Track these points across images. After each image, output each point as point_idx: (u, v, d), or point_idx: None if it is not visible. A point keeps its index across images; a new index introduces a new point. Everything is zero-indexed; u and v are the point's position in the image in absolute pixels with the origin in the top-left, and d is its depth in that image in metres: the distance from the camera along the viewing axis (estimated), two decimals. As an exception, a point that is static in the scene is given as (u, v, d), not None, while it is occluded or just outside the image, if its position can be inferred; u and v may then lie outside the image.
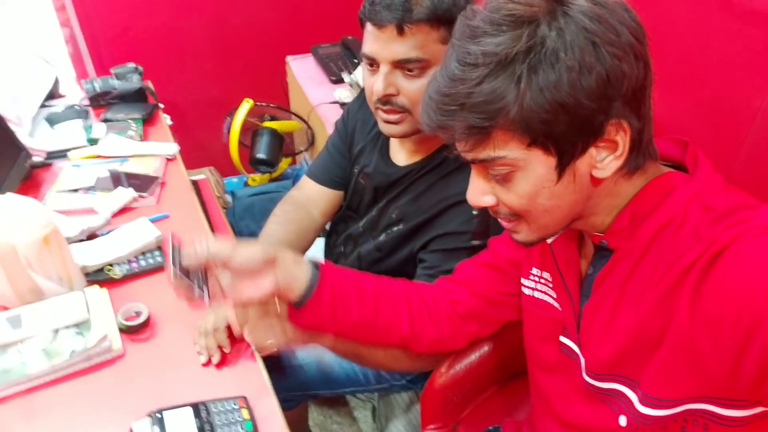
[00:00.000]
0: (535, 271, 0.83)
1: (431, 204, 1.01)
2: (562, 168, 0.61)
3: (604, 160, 0.61)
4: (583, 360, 0.75)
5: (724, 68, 1.16)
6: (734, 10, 1.12)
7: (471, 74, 0.57)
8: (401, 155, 1.09)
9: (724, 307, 0.55)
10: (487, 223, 0.96)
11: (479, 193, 0.66)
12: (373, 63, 0.94)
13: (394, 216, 1.07)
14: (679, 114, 1.29)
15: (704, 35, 1.19)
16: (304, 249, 1.22)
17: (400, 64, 0.91)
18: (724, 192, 0.63)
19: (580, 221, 0.69)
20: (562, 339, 0.79)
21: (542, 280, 0.83)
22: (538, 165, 0.61)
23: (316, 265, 0.82)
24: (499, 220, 0.70)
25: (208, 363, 0.93)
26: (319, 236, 1.29)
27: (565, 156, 0.60)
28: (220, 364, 0.94)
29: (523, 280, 0.85)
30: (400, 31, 0.88)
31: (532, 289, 0.84)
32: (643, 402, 0.66)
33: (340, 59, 2.07)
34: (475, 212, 0.96)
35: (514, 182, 0.63)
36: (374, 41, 0.92)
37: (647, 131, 0.63)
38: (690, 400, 0.62)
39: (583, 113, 0.57)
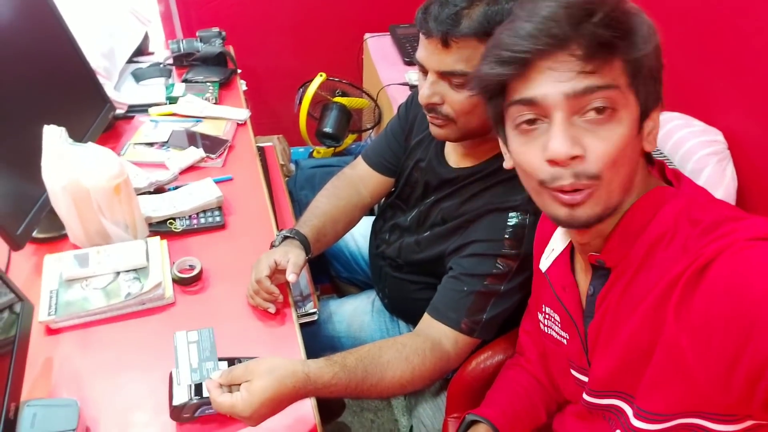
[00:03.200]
0: (544, 308, 0.85)
1: (472, 209, 1.01)
2: (641, 122, 0.62)
3: (651, 133, 0.64)
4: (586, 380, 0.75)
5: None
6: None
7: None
8: (454, 156, 1.08)
9: (713, 320, 0.55)
10: (522, 232, 0.95)
11: (569, 141, 0.59)
12: (423, 69, 0.94)
13: (438, 217, 1.08)
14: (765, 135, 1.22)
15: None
16: (348, 226, 1.24)
17: (446, 76, 0.91)
18: (710, 205, 0.64)
19: (605, 222, 0.66)
20: (573, 373, 0.80)
21: (548, 316, 0.84)
22: (633, 109, 0.61)
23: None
24: (564, 196, 0.62)
25: (276, 313, 1.00)
26: (367, 215, 1.31)
27: (644, 109, 0.62)
28: (262, 324, 0.99)
29: (539, 316, 0.86)
30: (446, 44, 0.87)
31: (545, 325, 0.85)
32: (637, 416, 0.66)
33: (416, 40, 2.06)
34: (510, 221, 0.96)
35: (615, 123, 0.59)
36: (423, 49, 0.91)
37: None
38: (682, 415, 0.62)
39: (659, 73, 0.62)
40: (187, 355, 0.84)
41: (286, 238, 1.08)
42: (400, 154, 1.21)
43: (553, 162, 0.61)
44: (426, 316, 0.99)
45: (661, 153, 1.32)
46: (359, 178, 1.27)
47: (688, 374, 0.58)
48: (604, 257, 0.68)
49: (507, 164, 0.73)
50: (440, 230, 1.06)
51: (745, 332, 0.52)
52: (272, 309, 1.00)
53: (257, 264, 1.01)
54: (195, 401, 0.78)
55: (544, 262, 0.81)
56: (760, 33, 1.17)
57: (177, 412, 0.79)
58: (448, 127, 0.97)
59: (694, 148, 1.26)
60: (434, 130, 0.99)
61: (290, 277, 0.98)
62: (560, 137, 0.59)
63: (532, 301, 0.92)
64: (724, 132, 1.29)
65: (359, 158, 1.29)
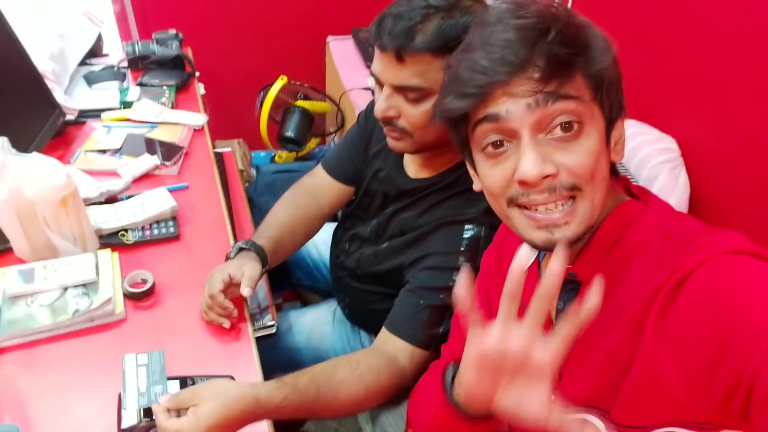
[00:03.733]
0: None
1: (429, 221, 1.01)
2: (608, 134, 0.62)
3: (618, 144, 0.64)
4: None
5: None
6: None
7: (559, 13, 0.60)
8: (413, 167, 1.08)
9: (690, 332, 0.56)
10: (478, 245, 0.95)
11: (540, 160, 0.58)
12: (379, 82, 0.93)
13: (397, 229, 1.07)
14: (715, 143, 1.25)
15: (750, 62, 1.14)
16: (307, 236, 1.23)
17: (401, 90, 0.90)
18: (677, 217, 0.65)
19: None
20: None
21: None
22: (598, 122, 0.61)
23: None
24: (538, 215, 0.61)
25: (231, 328, 0.98)
26: (327, 222, 1.30)
27: (609, 121, 0.62)
28: (217, 339, 0.96)
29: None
30: (400, 58, 0.85)
31: None
32: (610, 430, 0.66)
33: (379, 45, 2.06)
34: (466, 234, 0.95)
35: (582, 138, 0.59)
36: (378, 62, 0.90)
37: None
38: (660, 426, 0.62)
39: (619, 84, 0.62)
40: (135, 379, 0.81)
41: (241, 249, 1.05)
42: (360, 163, 1.20)
43: (524, 184, 0.59)
44: (383, 331, 0.98)
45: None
46: (318, 187, 1.25)
47: (667, 386, 0.58)
48: (576, 270, 0.67)
49: (476, 186, 0.72)
50: (398, 242, 1.06)
51: (722, 343, 0.53)
52: (226, 324, 0.97)
53: (210, 278, 0.99)
54: (143, 424, 0.76)
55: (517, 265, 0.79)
56: (713, 41, 1.20)
57: None
58: (404, 140, 0.96)
59: (649, 156, 1.29)
60: (391, 143, 0.99)
61: (245, 291, 0.95)
62: (531, 156, 0.58)
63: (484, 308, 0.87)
64: (678, 139, 1.32)
65: (319, 166, 1.28)
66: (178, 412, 0.73)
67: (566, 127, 0.58)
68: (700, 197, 1.27)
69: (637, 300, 0.60)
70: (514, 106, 0.58)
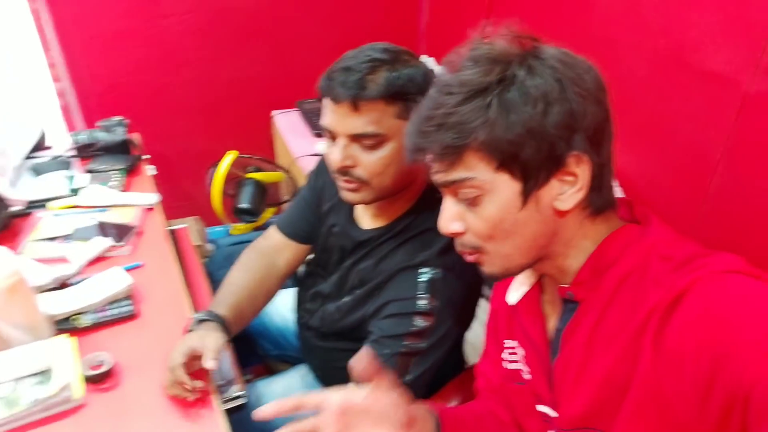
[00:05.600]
0: (507, 342, 0.84)
1: (386, 269, 1.02)
2: (526, 194, 0.64)
3: (565, 192, 0.65)
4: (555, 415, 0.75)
5: (685, 123, 1.21)
6: (690, 69, 1.18)
7: (448, 100, 0.63)
8: (366, 219, 1.10)
9: (686, 349, 0.57)
10: (434, 287, 0.96)
11: (449, 219, 0.69)
12: (332, 134, 0.96)
13: (356, 280, 1.08)
14: (646, 167, 1.33)
15: (664, 93, 1.25)
16: (266, 299, 1.20)
17: (357, 138, 0.93)
18: (678, 242, 0.67)
19: (547, 262, 0.71)
20: (539, 408, 0.78)
21: (510, 350, 0.83)
22: (504, 189, 0.64)
23: (437, 421, 0.83)
24: (464, 256, 0.72)
25: (197, 402, 0.95)
26: (286, 287, 1.29)
27: (530, 182, 0.64)
28: (182, 416, 0.93)
29: (502, 354, 0.85)
30: (355, 107, 0.90)
31: (509, 361, 0.84)
32: None
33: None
34: (422, 278, 0.97)
35: (482, 206, 0.66)
36: (332, 114, 0.94)
37: (607, 175, 0.68)
38: None
39: (548, 141, 0.62)
40: None
41: (202, 321, 1.02)
42: (314, 220, 1.22)
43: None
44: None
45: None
46: (273, 249, 1.25)
47: (665, 405, 0.59)
48: (573, 289, 0.69)
49: None
50: (359, 293, 1.06)
51: (717, 361, 0.54)
52: (191, 397, 0.94)
53: (171, 353, 0.96)
54: None
55: (513, 296, 0.81)
56: (636, 76, 1.30)
57: None
58: (362, 190, 0.98)
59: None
60: (347, 195, 1.00)
61: (208, 364, 0.92)
62: (442, 217, 0.70)
63: (491, 341, 0.90)
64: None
65: (272, 228, 1.28)
66: None
67: (466, 195, 0.66)
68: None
69: (634, 320, 0.62)
70: (433, 177, 0.69)
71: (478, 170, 0.64)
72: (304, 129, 2.12)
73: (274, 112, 2.28)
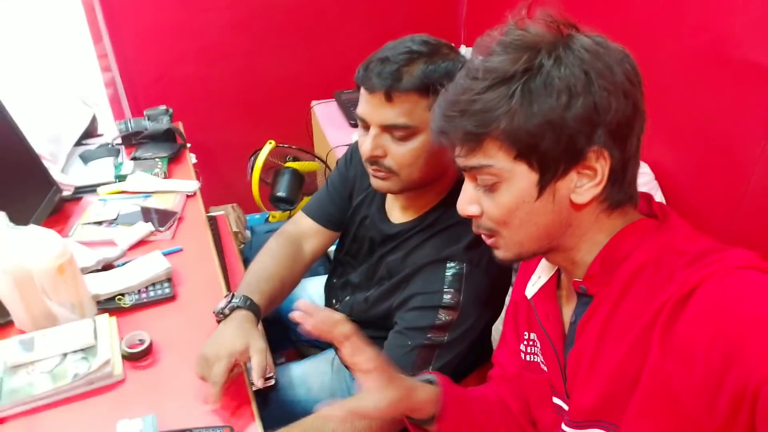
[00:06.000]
0: (527, 335, 0.85)
1: (414, 262, 1.03)
2: (543, 185, 0.65)
3: (583, 186, 0.65)
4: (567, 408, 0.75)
5: (724, 118, 1.18)
6: (732, 63, 1.15)
7: (473, 86, 0.64)
8: (395, 212, 1.11)
9: (696, 345, 0.57)
10: (461, 282, 0.97)
11: (467, 201, 0.71)
12: (365, 124, 0.98)
13: (385, 271, 1.10)
14: (683, 163, 1.30)
15: (704, 88, 1.22)
16: (294, 285, 1.23)
17: (389, 129, 0.95)
18: (694, 237, 0.66)
19: (561, 254, 0.71)
20: (555, 400, 0.79)
21: (530, 342, 0.84)
22: (521, 178, 0.65)
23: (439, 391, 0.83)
24: (482, 236, 0.74)
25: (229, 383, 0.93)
26: (318, 274, 1.32)
27: (547, 174, 0.64)
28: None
29: (521, 346, 0.86)
30: (389, 98, 0.91)
31: (525, 353, 0.85)
32: None
33: (361, 104, 2.16)
34: (448, 272, 0.98)
35: (498, 193, 0.67)
36: (366, 104, 0.96)
37: (631, 170, 0.67)
38: None
39: (568, 134, 0.62)
40: None
41: (235, 308, 1.02)
42: (344, 207, 1.24)
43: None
44: None
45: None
46: (301, 235, 1.27)
47: (675, 400, 0.59)
48: (585, 283, 0.70)
49: None
50: (387, 285, 1.08)
51: (727, 357, 0.54)
52: (217, 394, 0.91)
53: (208, 361, 0.93)
54: None
55: (531, 289, 0.82)
56: (677, 70, 1.27)
57: None
58: (390, 180, 1.00)
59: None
60: (376, 182, 1.02)
61: (258, 383, 0.91)
62: (461, 198, 0.72)
63: (510, 332, 0.91)
64: (650, 164, 1.37)
65: (300, 214, 1.30)
66: None
67: (484, 181, 0.68)
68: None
69: (645, 314, 0.62)
70: (455, 159, 0.70)
71: (496, 158, 0.65)
72: (341, 119, 2.15)
73: (313, 103, 2.31)
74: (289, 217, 2.25)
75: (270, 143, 2.10)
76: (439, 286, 0.98)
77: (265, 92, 2.30)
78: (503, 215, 0.68)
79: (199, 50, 2.15)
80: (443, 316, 0.97)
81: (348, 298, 1.21)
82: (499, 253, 0.73)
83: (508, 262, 0.74)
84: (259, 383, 0.92)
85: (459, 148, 0.68)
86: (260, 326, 1.04)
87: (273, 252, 1.22)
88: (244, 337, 0.95)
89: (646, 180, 1.34)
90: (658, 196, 1.32)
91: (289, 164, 2.17)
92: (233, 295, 1.05)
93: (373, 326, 1.14)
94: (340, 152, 1.95)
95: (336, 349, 1.31)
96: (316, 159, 2.23)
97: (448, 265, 0.99)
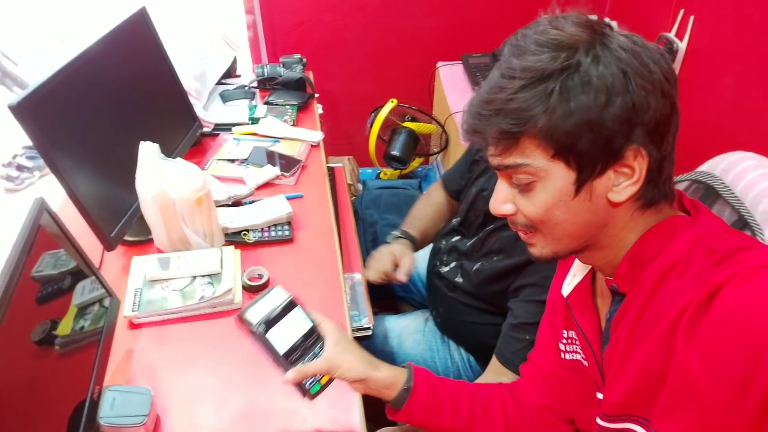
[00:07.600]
0: (564, 332, 0.85)
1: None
2: (580, 184, 0.64)
3: (620, 185, 0.64)
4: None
5: None
6: None
7: (509, 85, 0.63)
8: None
9: (722, 345, 0.56)
10: None
11: (501, 200, 0.70)
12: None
13: (496, 246, 1.12)
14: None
15: None
16: (437, 231, 1.42)
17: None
18: (725, 234, 0.65)
19: (596, 253, 0.71)
20: (600, 396, 0.79)
21: (569, 340, 0.85)
22: (558, 178, 0.64)
23: (410, 370, 0.90)
24: (518, 232, 0.73)
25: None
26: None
27: (585, 173, 0.64)
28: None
29: (560, 345, 0.87)
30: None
31: (565, 351, 0.86)
32: None
33: (488, 70, 2.11)
34: None
35: (535, 192, 0.66)
36: None
37: (667, 168, 0.66)
38: None
39: (606, 133, 0.61)
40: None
41: (399, 238, 1.35)
42: (467, 178, 1.31)
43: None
44: (496, 363, 1.04)
45: (733, 193, 1.30)
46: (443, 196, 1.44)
47: (700, 398, 0.59)
48: (616, 282, 0.71)
49: None
50: (498, 263, 1.10)
51: (754, 357, 0.54)
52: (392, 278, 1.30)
53: (374, 258, 1.33)
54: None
55: (566, 288, 0.83)
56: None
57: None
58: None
59: (766, 191, 1.23)
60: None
61: (402, 277, 1.27)
62: (494, 197, 0.71)
63: (547, 330, 0.92)
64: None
65: (439, 181, 1.48)
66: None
67: (520, 180, 0.67)
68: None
69: (671, 312, 0.62)
70: (488, 158, 0.69)
71: (533, 157, 0.64)
72: (465, 84, 2.13)
73: (439, 64, 2.30)
74: (401, 177, 2.30)
75: (392, 102, 2.13)
76: (549, 281, 0.98)
77: (393, 47, 2.31)
78: (540, 215, 0.67)
79: (338, 1, 2.19)
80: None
81: (454, 264, 1.24)
82: (535, 251, 0.72)
83: (544, 260, 0.73)
84: (403, 278, 1.28)
85: (494, 147, 0.67)
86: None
87: (430, 200, 1.48)
88: (401, 250, 1.33)
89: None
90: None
91: (407, 124, 2.20)
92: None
93: (476, 297, 1.18)
94: (460, 118, 1.95)
95: (431, 309, 1.36)
96: (434, 122, 2.24)
97: None
